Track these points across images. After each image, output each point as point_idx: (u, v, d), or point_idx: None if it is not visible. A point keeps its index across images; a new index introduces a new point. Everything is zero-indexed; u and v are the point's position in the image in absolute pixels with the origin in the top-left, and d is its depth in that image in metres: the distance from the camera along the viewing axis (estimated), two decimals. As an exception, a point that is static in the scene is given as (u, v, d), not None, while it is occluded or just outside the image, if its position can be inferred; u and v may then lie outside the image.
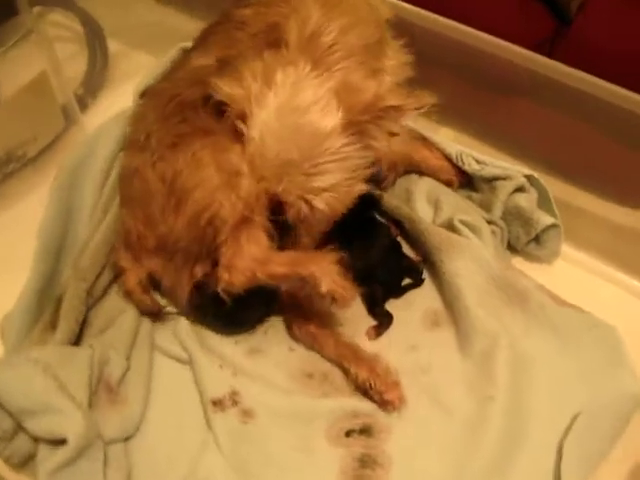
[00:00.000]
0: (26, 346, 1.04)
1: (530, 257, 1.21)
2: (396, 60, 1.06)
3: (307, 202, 0.97)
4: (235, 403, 1.02)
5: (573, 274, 1.19)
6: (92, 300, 1.12)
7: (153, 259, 1.07)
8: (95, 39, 1.46)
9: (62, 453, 0.89)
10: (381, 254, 1.15)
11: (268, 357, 1.09)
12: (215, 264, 1.02)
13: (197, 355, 1.06)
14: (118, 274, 1.12)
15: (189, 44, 1.28)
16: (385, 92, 0.94)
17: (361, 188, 1.01)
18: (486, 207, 1.21)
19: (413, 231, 1.17)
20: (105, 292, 1.14)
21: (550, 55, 1.21)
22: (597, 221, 1.23)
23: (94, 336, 1.09)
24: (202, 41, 1.16)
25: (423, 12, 1.23)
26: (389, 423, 1.02)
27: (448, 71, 1.31)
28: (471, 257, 1.12)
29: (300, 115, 0.95)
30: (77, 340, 1.07)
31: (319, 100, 0.95)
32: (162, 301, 1.13)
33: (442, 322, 1.13)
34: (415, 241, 1.18)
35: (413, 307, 1.15)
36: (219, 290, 1.00)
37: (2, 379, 0.94)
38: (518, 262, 1.21)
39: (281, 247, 1.03)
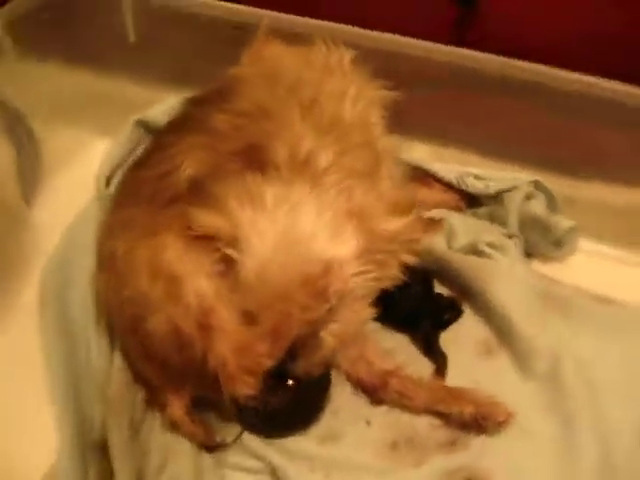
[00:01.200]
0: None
1: (546, 258, 1.22)
2: (391, 178, 1.01)
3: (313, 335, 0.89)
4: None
5: (593, 266, 1.20)
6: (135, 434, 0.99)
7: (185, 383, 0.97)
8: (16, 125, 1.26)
9: None
10: (419, 292, 1.11)
11: (347, 441, 1.02)
12: None
13: (281, 464, 0.97)
14: (160, 405, 1.00)
15: (145, 115, 1.16)
16: (409, 224, 0.87)
17: (370, 312, 0.95)
18: (499, 221, 1.20)
19: (441, 266, 1.14)
20: (143, 423, 1.02)
21: (463, 42, 1.20)
22: (602, 207, 1.24)
23: (154, 475, 0.96)
24: (173, 133, 1.03)
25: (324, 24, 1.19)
26: (488, 466, 0.99)
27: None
28: (508, 279, 1.11)
29: (305, 242, 0.86)
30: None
31: (326, 224, 0.86)
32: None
33: (495, 350, 1.11)
34: (446, 275, 1.15)
35: (461, 343, 1.11)
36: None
37: None
38: (535, 265, 1.21)
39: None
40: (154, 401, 1.00)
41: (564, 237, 1.18)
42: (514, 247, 1.16)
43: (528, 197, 1.19)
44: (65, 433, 0.97)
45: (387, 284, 0.92)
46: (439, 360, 1.09)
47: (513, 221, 1.17)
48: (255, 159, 0.91)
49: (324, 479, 0.97)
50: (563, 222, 1.16)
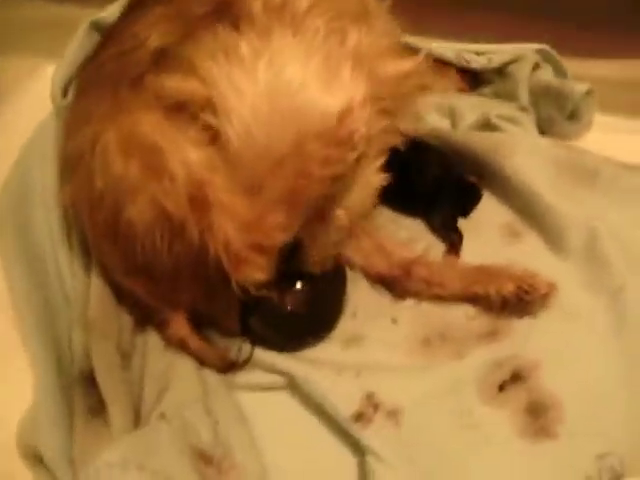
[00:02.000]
0: (79, 453, 0.75)
1: (561, 136, 1.08)
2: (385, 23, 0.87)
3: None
4: (376, 408, 0.81)
5: (610, 142, 1.07)
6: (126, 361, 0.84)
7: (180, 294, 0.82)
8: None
9: None
10: (437, 173, 0.98)
11: (373, 342, 0.88)
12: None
13: (303, 373, 0.82)
14: (158, 326, 0.85)
15: (100, 16, 1.02)
16: (419, 67, 0.77)
17: (382, 178, 0.82)
18: (506, 98, 1.07)
19: (450, 148, 1.01)
20: (134, 348, 0.87)
21: None
22: (613, 81, 1.13)
23: (153, 403, 0.81)
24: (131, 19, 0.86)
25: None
26: (535, 355, 0.86)
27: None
28: (530, 151, 0.98)
29: (295, 93, 0.74)
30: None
31: (318, 70, 0.74)
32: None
33: (521, 232, 0.98)
34: (457, 157, 1.01)
35: (484, 228, 0.98)
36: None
37: None
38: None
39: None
40: (149, 322, 0.86)
41: (580, 106, 1.06)
42: (528, 119, 1.04)
43: (535, 68, 1.07)
44: (41, 369, 0.81)
45: (397, 140, 0.80)
46: (454, 237, 0.96)
47: (523, 93, 1.05)
48: (226, 16, 0.78)
49: (354, 379, 0.83)
50: (578, 86, 1.04)
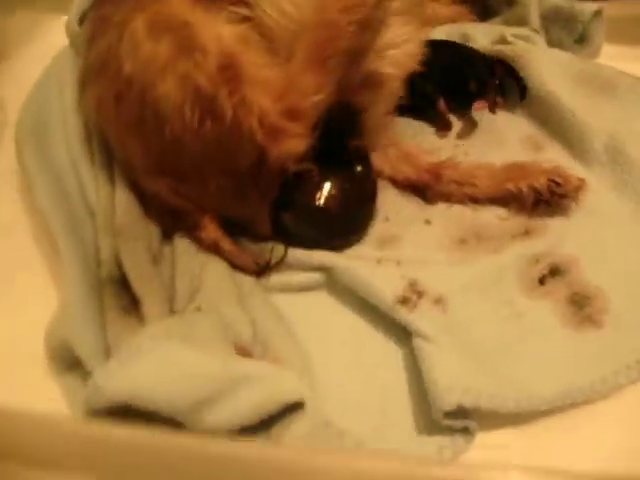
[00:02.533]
0: (114, 346, 0.71)
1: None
2: None
3: (373, 73, 0.76)
4: (420, 295, 0.78)
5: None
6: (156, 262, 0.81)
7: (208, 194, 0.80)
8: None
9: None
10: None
11: (409, 241, 0.86)
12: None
13: (343, 264, 0.79)
14: (188, 228, 0.82)
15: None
16: None
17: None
18: (518, 23, 1.09)
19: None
20: (162, 255, 0.83)
21: None
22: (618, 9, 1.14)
23: (187, 300, 0.78)
24: None
25: None
26: (571, 251, 0.85)
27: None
28: (549, 59, 1.00)
29: None
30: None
31: None
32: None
33: (543, 143, 0.98)
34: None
35: (503, 145, 0.98)
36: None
37: (143, 377, 0.60)
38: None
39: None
40: (178, 227, 0.83)
41: (589, 29, 1.07)
42: (542, 40, 1.05)
43: (543, -7, 1.09)
44: (70, 269, 0.77)
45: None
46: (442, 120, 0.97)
47: (534, 16, 1.07)
48: None
49: (395, 268, 0.81)
50: (587, 6, 1.06)
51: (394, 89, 0.80)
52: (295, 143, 0.72)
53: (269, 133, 0.72)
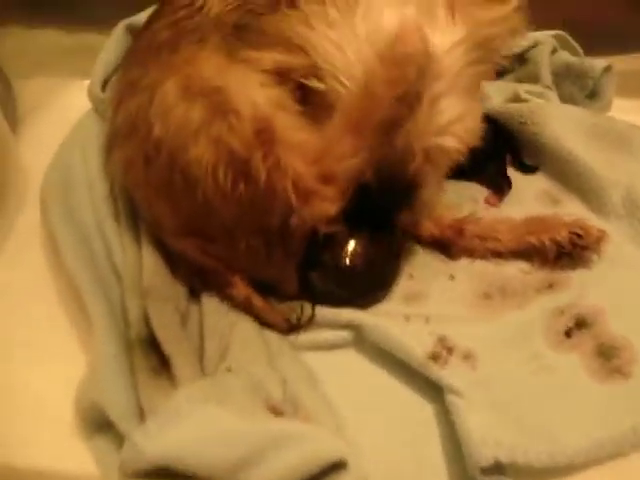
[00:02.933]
0: (147, 407, 0.71)
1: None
2: None
3: (437, 147, 0.76)
4: (450, 351, 0.78)
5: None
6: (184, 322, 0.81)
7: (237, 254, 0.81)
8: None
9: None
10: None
11: (434, 297, 0.86)
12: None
13: (372, 321, 0.80)
14: (218, 286, 0.83)
15: (134, 19, 1.05)
16: (510, 12, 0.77)
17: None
18: (530, 81, 1.11)
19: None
20: (188, 312, 0.84)
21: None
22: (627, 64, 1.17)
23: (217, 360, 0.78)
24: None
25: None
26: (595, 302, 0.85)
27: None
28: (562, 117, 1.01)
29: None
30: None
31: (415, 14, 0.75)
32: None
33: (560, 198, 0.99)
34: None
35: (521, 200, 0.99)
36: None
37: (183, 439, 0.61)
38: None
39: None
40: (207, 287, 0.83)
41: (600, 84, 1.10)
42: (555, 96, 1.08)
43: (553, 52, 1.12)
44: (100, 331, 0.78)
45: (486, 79, 0.82)
46: (505, 183, 0.99)
47: (546, 73, 1.09)
48: None
49: (424, 325, 0.81)
50: (596, 62, 1.08)
51: (453, 164, 0.80)
52: (327, 206, 0.74)
53: (302, 196, 0.73)
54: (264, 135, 0.73)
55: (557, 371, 0.79)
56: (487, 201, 0.98)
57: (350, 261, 0.83)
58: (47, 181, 0.94)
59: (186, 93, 0.75)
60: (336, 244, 0.82)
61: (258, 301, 0.81)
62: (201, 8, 0.82)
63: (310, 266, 0.82)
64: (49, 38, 1.25)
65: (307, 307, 0.82)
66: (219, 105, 0.73)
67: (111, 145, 0.86)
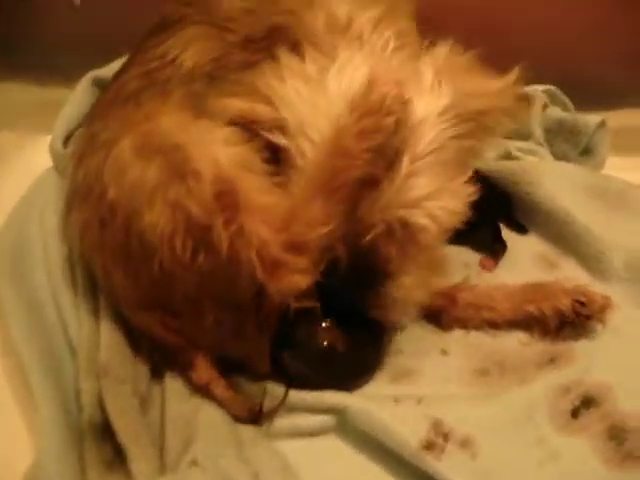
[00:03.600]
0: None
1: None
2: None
3: (401, 221, 0.68)
4: (446, 437, 0.69)
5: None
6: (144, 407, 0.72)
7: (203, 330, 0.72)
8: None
9: None
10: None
11: (426, 375, 0.78)
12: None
13: (357, 405, 0.71)
14: (180, 366, 0.74)
15: (101, 71, 0.99)
16: (504, 90, 0.71)
17: (472, 191, 0.73)
18: (521, 138, 1.05)
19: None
20: (151, 395, 0.74)
21: None
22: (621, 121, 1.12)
23: (180, 452, 0.68)
24: (151, 45, 0.80)
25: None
26: (603, 379, 0.77)
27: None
28: (557, 173, 0.96)
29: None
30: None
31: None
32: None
33: (557, 261, 0.92)
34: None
35: (516, 265, 0.92)
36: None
37: None
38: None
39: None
40: (169, 365, 0.75)
41: (593, 140, 1.04)
42: (547, 153, 1.02)
43: (544, 108, 1.07)
44: (46, 422, 0.68)
45: (476, 158, 0.75)
46: (499, 247, 0.92)
47: (537, 130, 1.04)
48: (281, 41, 0.74)
49: (415, 406, 0.72)
50: (589, 118, 1.03)
51: (427, 247, 0.71)
52: (297, 279, 0.66)
53: (269, 267, 0.65)
54: (226, 198, 0.65)
55: (566, 458, 0.71)
56: (482, 264, 0.91)
57: (326, 341, 0.73)
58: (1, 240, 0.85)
59: (142, 151, 0.67)
60: (311, 321, 0.73)
61: (218, 388, 0.72)
62: (173, 60, 0.76)
63: (283, 344, 0.73)
64: (18, 92, 1.19)
65: (277, 389, 0.73)
66: (177, 164, 0.66)
67: (70, 206, 0.78)
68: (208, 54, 0.76)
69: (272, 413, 0.72)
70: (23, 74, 1.18)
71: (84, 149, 0.76)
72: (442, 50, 0.73)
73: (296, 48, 0.73)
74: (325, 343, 0.74)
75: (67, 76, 1.10)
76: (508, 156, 1.00)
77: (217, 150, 0.67)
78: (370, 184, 0.66)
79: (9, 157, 1.12)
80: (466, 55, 0.73)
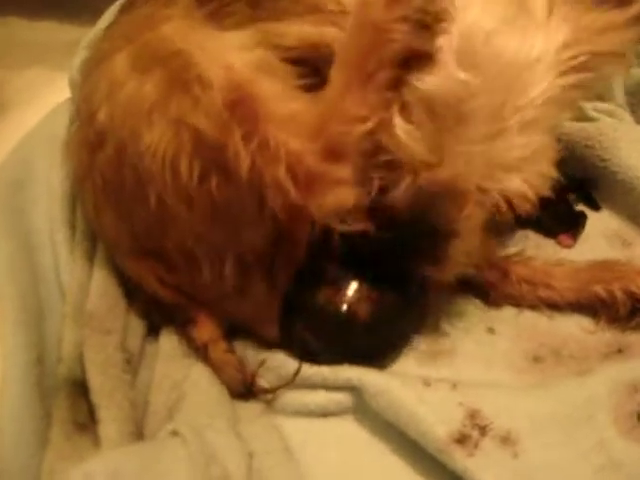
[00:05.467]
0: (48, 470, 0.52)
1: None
2: None
3: (500, 190, 0.56)
4: (484, 431, 0.56)
5: None
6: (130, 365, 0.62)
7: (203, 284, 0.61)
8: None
9: None
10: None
11: (466, 356, 0.66)
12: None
13: (379, 383, 0.59)
14: (181, 323, 0.64)
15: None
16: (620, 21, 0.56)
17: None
18: (599, 98, 0.91)
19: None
20: (142, 354, 0.65)
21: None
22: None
23: (162, 419, 0.58)
24: None
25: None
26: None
27: None
28: (637, 139, 0.81)
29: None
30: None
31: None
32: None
33: (633, 239, 0.79)
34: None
35: (589, 243, 0.79)
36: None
37: None
38: None
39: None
40: (168, 322, 0.65)
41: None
42: (628, 115, 0.88)
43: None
44: (14, 369, 0.59)
45: (586, 95, 0.62)
46: (577, 219, 0.80)
47: (619, 91, 0.89)
48: None
49: (449, 392, 0.59)
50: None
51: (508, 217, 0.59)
52: (343, 193, 0.54)
53: (305, 184, 0.53)
54: (242, 108, 0.53)
55: (626, 467, 0.58)
56: (560, 242, 0.78)
57: (349, 308, 0.61)
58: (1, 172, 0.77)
59: (138, 63, 0.57)
60: (333, 284, 0.62)
61: (216, 351, 0.62)
62: None
63: (294, 309, 0.62)
64: (49, 29, 1.17)
65: (286, 362, 0.62)
66: (179, 73, 0.55)
67: (70, 135, 0.69)
68: None
69: (275, 390, 0.61)
70: (56, 11, 1.15)
71: (89, 68, 0.67)
72: None
73: None
74: (346, 309, 0.62)
75: (99, 14, 1.05)
76: (583, 117, 0.86)
77: (230, 55, 0.56)
78: (416, 62, 0.53)
79: (39, 93, 1.06)
80: None
